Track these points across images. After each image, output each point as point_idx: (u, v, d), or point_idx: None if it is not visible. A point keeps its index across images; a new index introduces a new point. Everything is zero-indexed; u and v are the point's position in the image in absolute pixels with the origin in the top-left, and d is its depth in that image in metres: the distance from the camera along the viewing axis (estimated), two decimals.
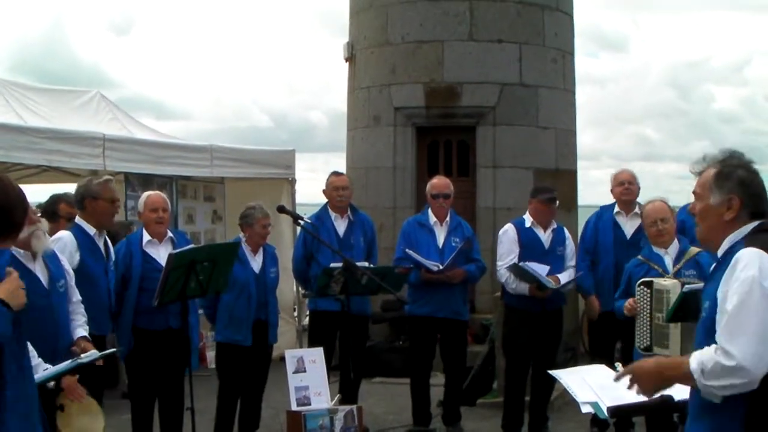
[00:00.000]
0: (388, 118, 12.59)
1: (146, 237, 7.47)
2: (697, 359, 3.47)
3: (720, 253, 3.71)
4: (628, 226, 8.63)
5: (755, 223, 3.65)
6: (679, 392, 4.16)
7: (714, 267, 3.76)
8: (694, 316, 5.56)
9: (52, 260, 5.94)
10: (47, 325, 5.49)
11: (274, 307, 8.33)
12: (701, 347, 3.54)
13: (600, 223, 8.77)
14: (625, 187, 8.69)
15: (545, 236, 8.54)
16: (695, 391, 3.62)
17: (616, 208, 8.75)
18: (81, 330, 6.15)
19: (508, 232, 8.60)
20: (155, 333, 7.31)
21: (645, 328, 6.64)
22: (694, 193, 3.89)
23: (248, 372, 8.19)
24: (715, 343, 3.43)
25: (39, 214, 6.06)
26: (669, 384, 3.69)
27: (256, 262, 8.14)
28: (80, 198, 7.08)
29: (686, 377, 3.52)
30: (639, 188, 8.80)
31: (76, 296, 6.29)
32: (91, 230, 7.01)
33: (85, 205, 7.03)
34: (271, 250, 8.39)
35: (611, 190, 8.86)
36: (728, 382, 3.38)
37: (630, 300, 6.77)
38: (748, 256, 3.47)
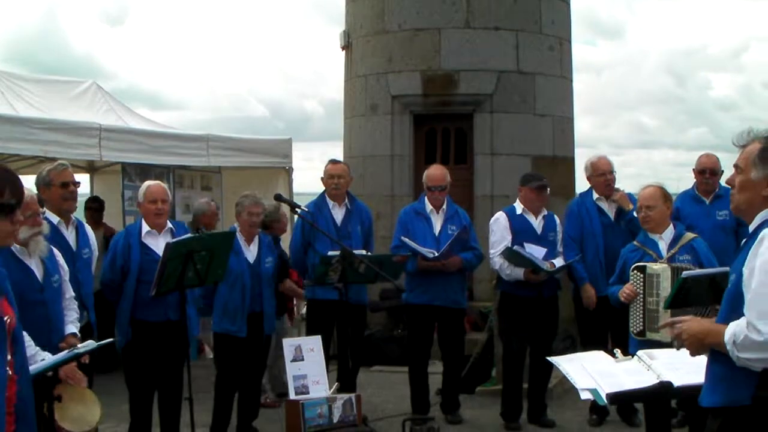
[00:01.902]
0: (385, 107, 12.56)
1: (145, 228, 7.42)
2: (731, 331, 3.58)
3: (751, 228, 3.81)
4: (612, 210, 8.65)
5: None
6: (678, 378, 4.16)
7: (744, 241, 3.85)
8: (697, 301, 5.57)
9: (47, 256, 5.93)
10: (40, 319, 5.48)
11: (269, 298, 8.29)
12: (726, 319, 3.68)
13: (583, 210, 8.74)
14: (607, 178, 8.70)
15: (537, 222, 8.55)
16: (711, 363, 3.77)
17: (596, 195, 8.73)
18: (71, 326, 6.15)
19: (499, 219, 8.61)
20: (154, 325, 7.28)
21: (638, 313, 6.65)
22: (735, 165, 3.93)
23: (245, 362, 8.20)
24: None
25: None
26: (709, 348, 3.78)
27: (250, 252, 8.11)
28: (37, 188, 6.88)
29: (722, 346, 3.63)
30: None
31: (70, 292, 6.28)
32: (54, 219, 6.87)
33: (42, 194, 6.79)
34: (266, 239, 8.36)
35: (589, 178, 8.83)
36: (759, 356, 3.52)
37: (627, 285, 6.76)
38: None
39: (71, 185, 7.04)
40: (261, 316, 8.15)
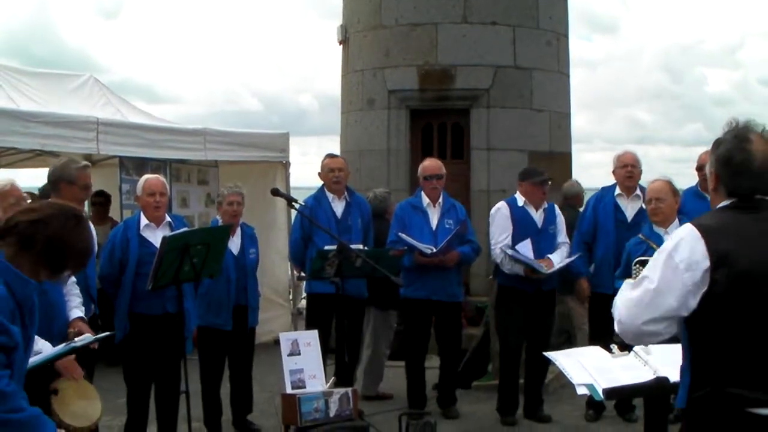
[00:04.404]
0: (382, 101, 12.57)
1: (143, 221, 7.43)
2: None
3: None
4: (629, 208, 8.59)
5: (726, 202, 3.56)
6: (675, 374, 4.16)
7: None
8: None
9: None
10: (40, 307, 5.46)
11: (253, 290, 8.32)
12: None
13: (600, 206, 8.73)
14: (628, 170, 8.65)
15: (537, 215, 8.56)
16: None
17: (617, 190, 8.72)
18: (77, 311, 6.09)
19: (501, 210, 8.61)
20: (153, 318, 7.30)
21: None
22: None
23: (230, 356, 8.23)
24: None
25: (30, 201, 6.04)
26: None
27: (234, 244, 8.09)
28: (55, 180, 6.79)
29: None
30: (641, 171, 8.77)
31: (71, 278, 6.24)
32: None
33: (60, 188, 6.73)
34: (249, 231, 8.37)
35: (613, 171, 8.81)
36: (618, 332, 3.61)
37: (628, 280, 6.74)
38: (679, 231, 3.50)
39: (90, 189, 7.02)
40: (245, 309, 8.19)
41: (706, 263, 3.33)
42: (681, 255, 3.39)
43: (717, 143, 3.59)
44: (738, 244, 3.36)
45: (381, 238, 9.02)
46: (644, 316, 3.48)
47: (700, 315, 3.38)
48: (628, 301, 3.58)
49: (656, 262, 3.49)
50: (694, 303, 3.37)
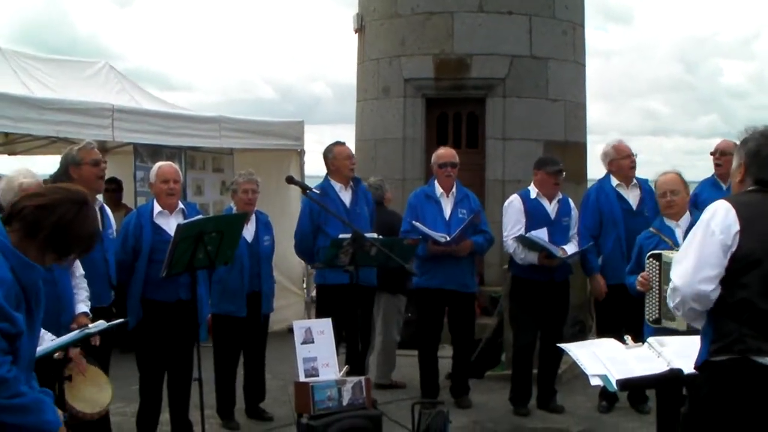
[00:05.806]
0: (397, 90, 12.54)
1: (157, 208, 7.43)
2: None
3: None
4: (632, 197, 8.56)
5: (751, 188, 4.16)
6: (688, 365, 4.16)
7: None
8: None
9: None
10: (49, 298, 5.48)
11: (268, 277, 8.34)
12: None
13: (602, 197, 8.64)
14: (632, 160, 8.62)
15: (551, 207, 8.52)
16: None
17: (615, 181, 8.65)
18: (82, 305, 6.09)
19: (513, 202, 8.58)
20: (165, 305, 7.31)
21: (654, 301, 6.59)
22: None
23: (244, 343, 8.23)
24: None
25: None
26: None
27: (248, 231, 8.08)
28: (65, 169, 6.79)
29: None
30: None
31: (80, 271, 6.23)
32: None
33: (71, 174, 6.70)
34: (263, 218, 8.36)
35: (611, 162, 8.66)
36: (673, 303, 4.13)
37: (643, 274, 6.71)
38: (713, 205, 4.11)
39: (102, 163, 6.99)
40: (259, 296, 8.20)
41: (737, 227, 3.97)
42: (716, 221, 4.01)
43: (745, 141, 4.24)
44: (761, 214, 4.02)
45: (381, 226, 8.93)
46: (696, 277, 3.99)
47: (728, 271, 3.97)
48: (679, 269, 4.08)
49: (696, 232, 4.09)
50: (725, 261, 3.97)
